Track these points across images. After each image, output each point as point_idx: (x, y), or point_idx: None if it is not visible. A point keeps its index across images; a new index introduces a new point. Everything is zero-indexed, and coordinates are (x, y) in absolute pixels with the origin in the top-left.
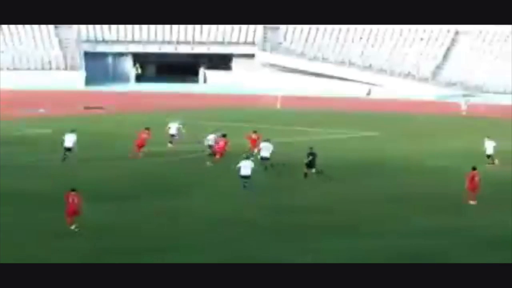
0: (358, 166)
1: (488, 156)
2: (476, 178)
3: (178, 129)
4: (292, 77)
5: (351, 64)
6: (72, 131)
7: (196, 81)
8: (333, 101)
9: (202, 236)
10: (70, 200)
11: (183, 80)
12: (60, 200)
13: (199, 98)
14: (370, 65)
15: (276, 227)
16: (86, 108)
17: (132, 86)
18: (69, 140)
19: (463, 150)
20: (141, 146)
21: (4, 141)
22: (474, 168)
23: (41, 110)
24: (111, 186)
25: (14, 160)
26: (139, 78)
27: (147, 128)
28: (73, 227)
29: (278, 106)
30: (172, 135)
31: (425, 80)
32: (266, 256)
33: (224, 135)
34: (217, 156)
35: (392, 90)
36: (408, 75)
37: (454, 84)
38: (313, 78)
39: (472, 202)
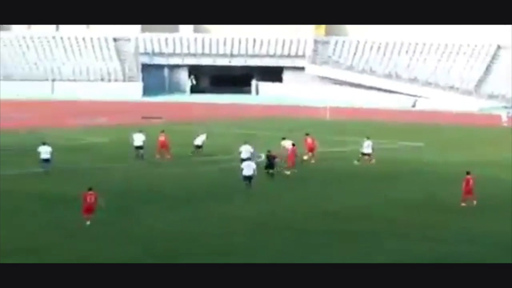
0: (402, 173)
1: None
2: (471, 182)
3: (203, 141)
4: (340, 89)
5: (397, 76)
6: (140, 131)
7: (248, 92)
8: (380, 113)
9: (255, 239)
10: (88, 199)
11: (236, 91)
12: (116, 204)
13: (251, 108)
14: (416, 78)
15: (324, 231)
16: (144, 118)
17: (187, 97)
18: (139, 139)
19: (502, 160)
20: (163, 147)
21: (64, 149)
22: (468, 173)
23: (100, 120)
24: (164, 191)
25: (73, 167)
26: (193, 90)
27: (163, 131)
28: (88, 222)
29: (327, 117)
30: (198, 147)
31: (468, 92)
32: (319, 258)
33: (293, 144)
34: (289, 165)
35: (436, 102)
36: (452, 87)
37: (495, 96)
38: (361, 90)
39: (463, 204)
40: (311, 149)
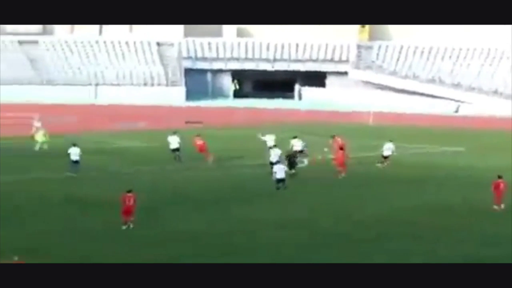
0: (437, 177)
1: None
2: (501, 186)
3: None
4: (383, 94)
5: (441, 81)
6: (174, 133)
7: (291, 97)
8: (423, 118)
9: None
10: (127, 201)
11: (279, 96)
12: (150, 206)
13: (294, 113)
14: (459, 83)
15: (367, 236)
16: (187, 122)
17: (230, 102)
18: (174, 141)
19: None
20: (202, 151)
21: (105, 152)
22: (499, 177)
23: (141, 124)
24: (190, 194)
25: (112, 170)
26: (236, 94)
27: (198, 135)
28: (124, 227)
29: (371, 122)
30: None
31: None
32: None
33: (341, 148)
34: (340, 168)
35: (480, 107)
36: (495, 92)
37: None
38: (404, 95)
39: (495, 207)
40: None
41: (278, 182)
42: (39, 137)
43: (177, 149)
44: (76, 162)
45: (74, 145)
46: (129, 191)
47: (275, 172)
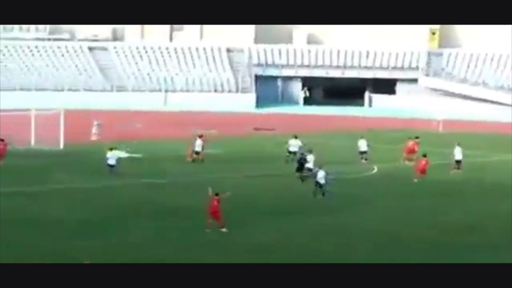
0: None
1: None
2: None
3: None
4: (453, 102)
5: (510, 89)
6: (200, 136)
7: (361, 104)
8: (493, 126)
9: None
10: (215, 203)
11: (349, 103)
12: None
13: (364, 121)
14: None
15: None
16: (256, 129)
17: (301, 109)
18: (198, 145)
19: None
20: None
21: (177, 159)
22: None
23: (212, 131)
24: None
25: (184, 178)
26: (307, 101)
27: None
28: (208, 230)
29: (440, 129)
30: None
31: None
32: None
33: (424, 155)
34: (419, 174)
35: None
36: None
37: None
38: (474, 103)
39: None
40: (412, 152)
41: (320, 187)
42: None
43: (197, 153)
44: (112, 166)
45: (111, 149)
46: (216, 194)
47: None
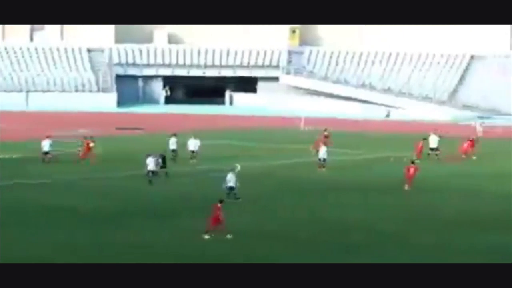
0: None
1: (432, 149)
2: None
3: (199, 146)
4: (315, 100)
5: (371, 87)
6: (174, 135)
7: (222, 103)
8: (355, 123)
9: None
10: (218, 211)
11: (210, 102)
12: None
13: (225, 119)
14: (389, 88)
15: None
16: (118, 129)
17: (162, 108)
18: (172, 143)
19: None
20: None
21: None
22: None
23: (81, 131)
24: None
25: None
26: (168, 100)
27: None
28: (206, 236)
29: (302, 127)
30: (192, 151)
31: (442, 102)
32: None
33: (412, 162)
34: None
35: (410, 112)
36: (425, 98)
37: (470, 106)
38: (335, 101)
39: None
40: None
41: (229, 190)
42: None
43: (174, 150)
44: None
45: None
46: (220, 201)
47: (227, 180)
